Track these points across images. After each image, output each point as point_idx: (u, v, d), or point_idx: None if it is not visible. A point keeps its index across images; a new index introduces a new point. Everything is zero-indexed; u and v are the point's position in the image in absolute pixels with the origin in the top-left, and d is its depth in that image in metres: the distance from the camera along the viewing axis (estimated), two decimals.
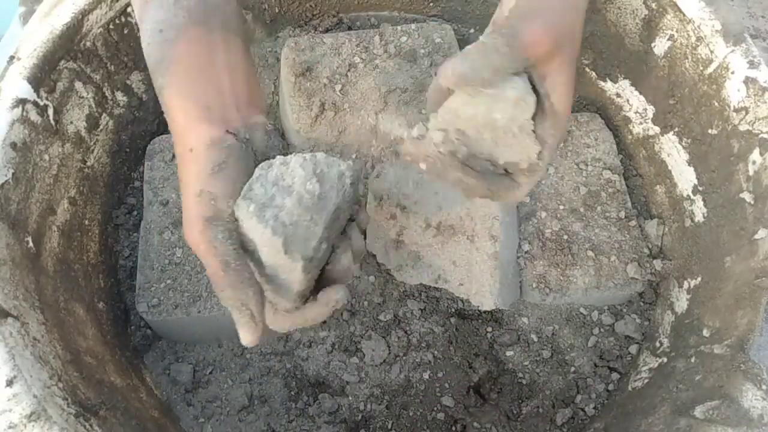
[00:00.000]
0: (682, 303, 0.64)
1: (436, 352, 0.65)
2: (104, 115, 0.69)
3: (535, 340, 0.66)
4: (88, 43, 0.64)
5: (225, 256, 0.39)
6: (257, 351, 0.65)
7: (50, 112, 0.60)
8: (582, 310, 0.67)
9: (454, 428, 0.62)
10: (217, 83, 0.43)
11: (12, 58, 0.59)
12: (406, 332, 0.65)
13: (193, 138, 0.41)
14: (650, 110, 0.71)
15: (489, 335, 0.66)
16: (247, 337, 0.41)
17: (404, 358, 0.64)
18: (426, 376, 0.64)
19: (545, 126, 0.47)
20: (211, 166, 0.40)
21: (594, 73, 0.77)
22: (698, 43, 0.62)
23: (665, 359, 0.61)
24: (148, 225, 0.66)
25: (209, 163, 0.40)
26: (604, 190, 0.71)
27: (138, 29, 0.68)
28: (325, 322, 0.65)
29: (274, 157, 0.43)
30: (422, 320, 0.65)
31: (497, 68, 0.43)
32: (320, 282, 0.45)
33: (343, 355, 0.65)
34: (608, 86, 0.76)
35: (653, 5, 0.65)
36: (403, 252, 0.65)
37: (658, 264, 0.68)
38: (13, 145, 0.55)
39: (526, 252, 0.67)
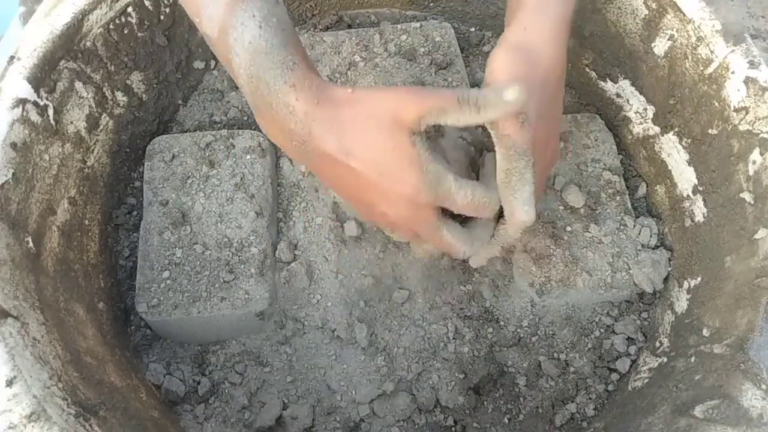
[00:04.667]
0: (682, 303, 0.64)
1: (436, 353, 0.65)
2: (104, 115, 0.69)
3: (535, 340, 0.66)
4: (88, 43, 0.64)
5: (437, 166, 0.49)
6: (257, 350, 0.65)
7: (50, 112, 0.60)
8: (582, 310, 0.67)
9: (454, 429, 0.62)
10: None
11: (12, 58, 0.59)
12: (406, 333, 0.65)
13: (334, 92, 0.49)
14: (650, 110, 0.71)
15: (489, 336, 0.66)
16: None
17: (404, 358, 0.64)
18: (426, 376, 0.64)
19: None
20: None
21: (594, 73, 0.77)
22: (698, 43, 0.62)
23: (665, 359, 0.61)
24: (148, 225, 0.66)
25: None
26: (603, 191, 0.71)
27: (139, 29, 0.69)
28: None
29: None
30: (422, 321, 0.65)
31: None
32: None
33: (342, 355, 0.65)
34: (608, 86, 0.76)
35: (653, 5, 0.65)
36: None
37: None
38: (13, 145, 0.55)
39: (526, 253, 0.67)
